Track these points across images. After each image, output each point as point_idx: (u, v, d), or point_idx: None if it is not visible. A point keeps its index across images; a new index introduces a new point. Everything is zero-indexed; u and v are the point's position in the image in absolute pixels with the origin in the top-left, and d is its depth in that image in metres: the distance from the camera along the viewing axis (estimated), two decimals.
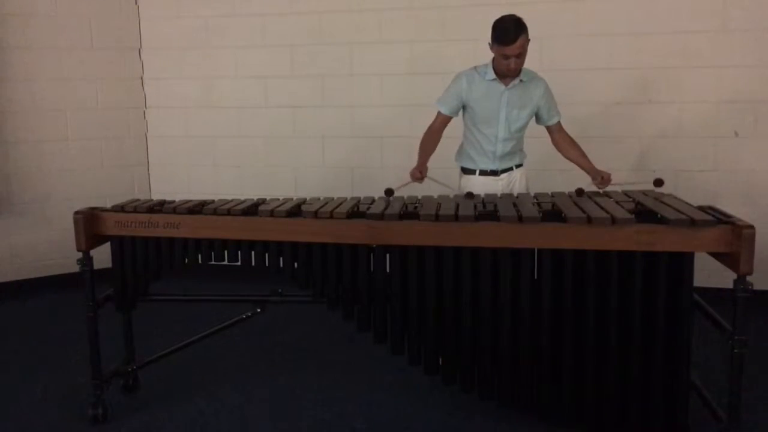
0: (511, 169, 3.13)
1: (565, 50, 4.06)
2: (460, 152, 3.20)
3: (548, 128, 3.15)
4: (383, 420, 2.75)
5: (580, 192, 2.73)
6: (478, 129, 3.05)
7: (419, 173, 2.96)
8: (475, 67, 3.04)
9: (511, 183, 3.13)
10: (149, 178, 4.83)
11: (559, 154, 3.20)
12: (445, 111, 3.08)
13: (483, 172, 3.10)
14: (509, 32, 2.80)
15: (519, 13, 2.88)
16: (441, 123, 3.10)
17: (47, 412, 2.85)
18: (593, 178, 2.95)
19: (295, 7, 4.44)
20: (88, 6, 4.48)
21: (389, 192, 2.73)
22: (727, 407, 2.25)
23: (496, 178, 3.10)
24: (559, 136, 3.15)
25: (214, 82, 4.66)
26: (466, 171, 3.16)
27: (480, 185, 3.03)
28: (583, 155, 3.08)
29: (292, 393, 2.99)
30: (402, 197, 2.78)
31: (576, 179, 3.08)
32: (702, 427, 2.45)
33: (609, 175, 2.93)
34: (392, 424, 2.72)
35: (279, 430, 2.69)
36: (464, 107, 3.07)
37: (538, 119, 3.12)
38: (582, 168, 3.07)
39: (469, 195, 2.76)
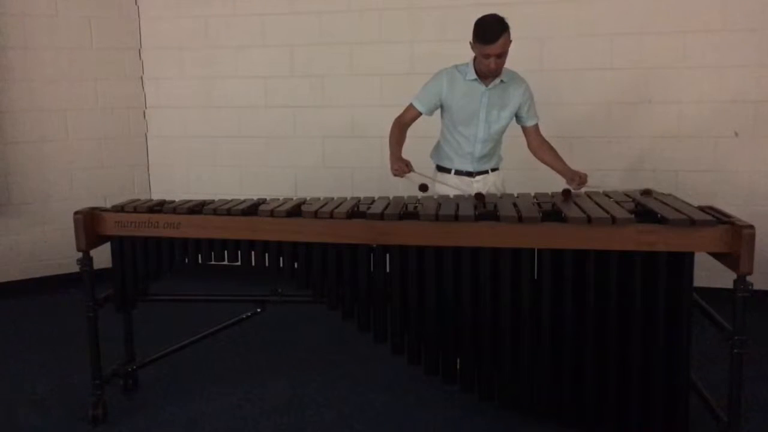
0: (486, 172, 3.09)
1: (565, 50, 4.06)
2: (437, 151, 3.15)
3: (525, 130, 3.11)
4: (383, 420, 2.75)
5: (566, 194, 2.66)
6: (457, 129, 3.01)
7: (405, 167, 2.85)
8: (456, 66, 2.99)
9: (486, 186, 3.06)
10: (149, 178, 4.84)
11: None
12: (422, 110, 3.01)
13: (458, 172, 3.06)
14: (491, 31, 2.75)
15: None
16: (412, 119, 3.04)
17: (47, 412, 2.85)
18: (569, 180, 2.88)
19: (295, 7, 4.44)
20: (88, 6, 4.49)
21: (424, 188, 2.71)
22: (727, 407, 2.25)
23: (471, 179, 3.06)
24: (535, 138, 3.10)
25: (214, 82, 4.66)
26: (441, 169, 3.12)
27: (454, 185, 3.00)
28: (558, 157, 3.04)
29: (292, 393, 2.99)
30: (402, 197, 2.78)
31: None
32: (702, 427, 2.45)
33: (585, 175, 2.88)
34: (392, 424, 2.72)
35: (279, 430, 2.69)
36: (442, 107, 3.02)
37: (517, 119, 3.08)
38: (557, 171, 3.02)
39: (423, 187, 2.72)
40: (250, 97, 4.61)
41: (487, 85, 2.93)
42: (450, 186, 2.99)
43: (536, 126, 3.09)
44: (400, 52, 4.31)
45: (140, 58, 4.71)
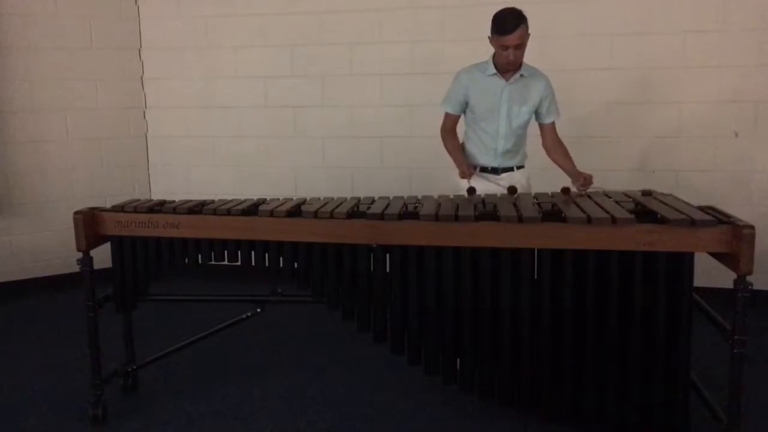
0: (512, 169, 3.12)
1: (565, 50, 4.06)
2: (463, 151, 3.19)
3: (541, 127, 3.13)
4: (383, 420, 2.75)
5: (566, 191, 2.70)
6: (479, 125, 3.05)
7: (469, 169, 2.97)
8: (475, 65, 3.04)
9: (513, 184, 3.09)
10: (149, 178, 4.83)
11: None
12: (450, 110, 3.09)
13: (483, 169, 3.10)
14: (508, 22, 2.80)
15: None
16: (452, 123, 3.13)
17: (47, 412, 2.85)
18: (575, 180, 2.90)
19: (295, 7, 4.44)
20: (88, 6, 4.48)
21: (472, 191, 2.76)
22: (727, 407, 2.26)
23: (497, 177, 3.09)
24: (550, 137, 3.12)
25: (214, 82, 4.66)
26: None
27: (481, 183, 3.01)
28: (568, 157, 3.06)
29: (292, 393, 2.99)
30: (402, 197, 2.78)
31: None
32: (702, 427, 2.45)
33: (590, 176, 2.89)
34: (392, 424, 2.72)
35: (279, 430, 2.69)
36: (466, 104, 3.07)
37: (536, 116, 3.10)
38: (564, 170, 3.04)
39: (471, 190, 2.75)
40: (250, 97, 4.61)
41: (507, 80, 2.95)
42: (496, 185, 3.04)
43: (553, 124, 3.11)
44: (400, 52, 4.31)
45: (140, 58, 4.71)
